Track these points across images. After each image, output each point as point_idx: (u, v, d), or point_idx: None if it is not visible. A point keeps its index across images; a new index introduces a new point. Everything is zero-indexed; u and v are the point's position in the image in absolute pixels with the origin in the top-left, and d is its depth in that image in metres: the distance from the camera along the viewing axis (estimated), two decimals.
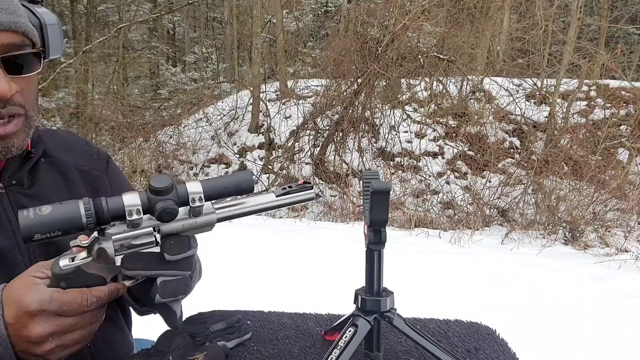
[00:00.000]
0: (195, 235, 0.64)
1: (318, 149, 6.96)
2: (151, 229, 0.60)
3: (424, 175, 6.61)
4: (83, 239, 0.61)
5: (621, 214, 5.35)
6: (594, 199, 5.43)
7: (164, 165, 7.46)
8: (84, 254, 0.61)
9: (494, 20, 7.69)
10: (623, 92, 7.25)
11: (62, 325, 0.59)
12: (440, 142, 7.07)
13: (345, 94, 6.88)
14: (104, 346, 0.84)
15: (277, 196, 0.67)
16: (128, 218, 0.57)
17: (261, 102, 7.94)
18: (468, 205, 5.98)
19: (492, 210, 5.92)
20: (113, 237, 0.59)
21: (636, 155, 5.97)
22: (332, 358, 0.71)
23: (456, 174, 6.72)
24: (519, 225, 5.28)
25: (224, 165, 7.50)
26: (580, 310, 3.06)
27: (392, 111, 7.09)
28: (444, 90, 7.40)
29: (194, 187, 0.60)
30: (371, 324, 0.75)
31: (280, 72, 8.90)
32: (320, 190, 6.62)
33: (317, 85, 7.96)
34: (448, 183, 6.50)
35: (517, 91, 7.42)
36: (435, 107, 7.46)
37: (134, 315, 0.97)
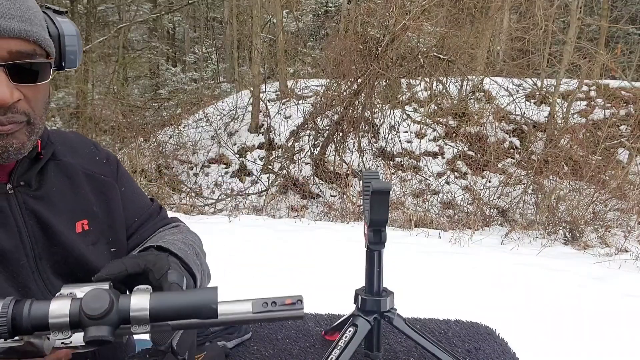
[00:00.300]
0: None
1: (318, 149, 6.96)
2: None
3: (424, 175, 6.61)
4: None
5: (621, 214, 5.35)
6: (594, 199, 5.43)
7: (164, 165, 7.46)
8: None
9: (494, 20, 7.68)
10: (623, 92, 7.25)
11: None
12: (440, 142, 7.07)
13: (345, 94, 6.88)
14: (105, 348, 0.83)
15: (253, 312, 0.54)
16: (51, 333, 0.51)
17: (261, 102, 7.94)
18: (468, 205, 5.97)
19: (492, 210, 5.92)
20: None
21: (636, 155, 5.97)
22: (332, 358, 0.71)
23: (456, 174, 6.72)
24: (519, 225, 5.28)
25: (224, 165, 7.51)
26: (580, 310, 3.06)
27: (392, 111, 7.09)
28: (444, 90, 7.40)
29: (140, 309, 0.52)
30: (371, 324, 0.75)
31: (280, 72, 8.90)
32: (321, 191, 6.62)
33: (317, 85, 7.96)
34: (448, 183, 6.50)
35: (517, 91, 7.42)
36: (435, 107, 7.46)
37: None
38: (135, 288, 0.56)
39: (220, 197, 6.59)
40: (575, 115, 6.96)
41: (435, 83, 7.24)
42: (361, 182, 5.56)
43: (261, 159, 7.45)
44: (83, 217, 0.83)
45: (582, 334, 2.72)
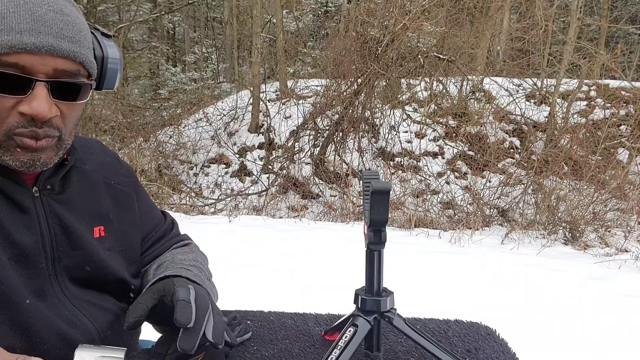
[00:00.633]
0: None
1: (318, 149, 6.96)
2: None
3: (424, 175, 6.61)
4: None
5: (621, 214, 5.35)
6: (594, 199, 5.43)
7: (164, 165, 7.46)
8: None
9: (494, 20, 7.69)
10: (623, 92, 7.25)
11: None
12: (440, 142, 7.07)
13: (345, 94, 6.88)
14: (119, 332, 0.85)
15: None
16: None
17: (261, 102, 7.94)
18: (468, 205, 5.98)
19: (492, 210, 5.92)
20: None
21: (636, 155, 5.97)
22: (332, 358, 0.71)
23: (456, 174, 6.72)
24: (519, 225, 5.28)
25: (224, 165, 7.51)
26: (580, 310, 3.06)
27: (392, 111, 7.10)
28: (444, 90, 7.40)
29: None
30: (371, 324, 0.75)
31: (280, 72, 8.90)
32: (321, 191, 6.62)
33: (317, 85, 7.96)
34: (448, 183, 6.50)
35: (517, 91, 7.42)
36: (435, 107, 7.46)
37: None
38: None
39: (220, 197, 6.59)
40: (575, 115, 6.96)
41: (435, 83, 7.24)
42: (361, 182, 5.56)
43: (261, 159, 7.45)
44: (100, 223, 0.85)
45: (582, 334, 2.72)
